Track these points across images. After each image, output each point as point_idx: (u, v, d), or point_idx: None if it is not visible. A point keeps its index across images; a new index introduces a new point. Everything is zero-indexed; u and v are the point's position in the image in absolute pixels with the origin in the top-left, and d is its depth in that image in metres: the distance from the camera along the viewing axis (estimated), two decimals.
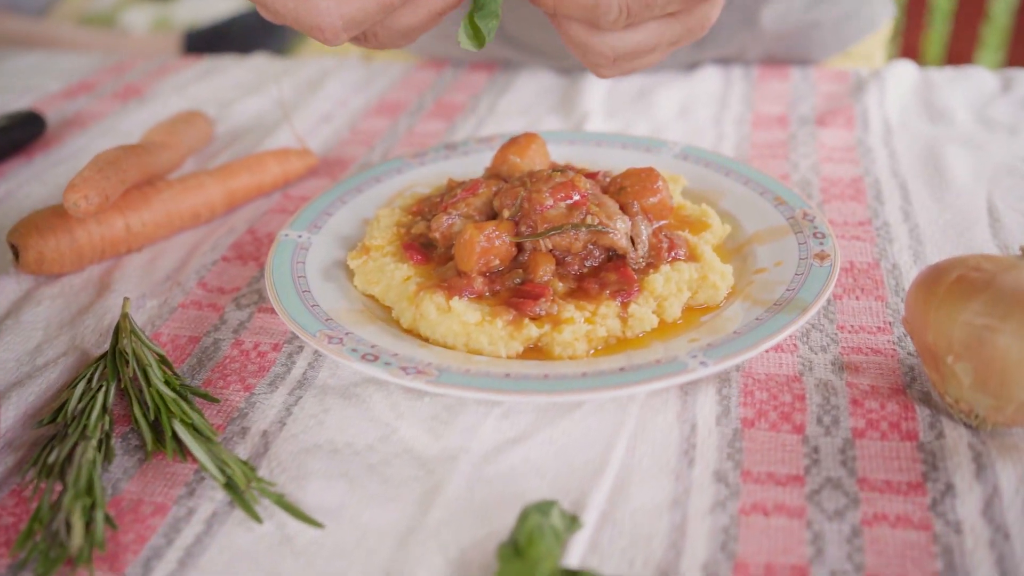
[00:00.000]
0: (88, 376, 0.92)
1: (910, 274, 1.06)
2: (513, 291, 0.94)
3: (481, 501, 0.80)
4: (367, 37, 0.93)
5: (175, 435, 0.86)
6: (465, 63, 1.73)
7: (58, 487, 0.82)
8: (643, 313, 0.93)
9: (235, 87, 1.68)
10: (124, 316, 0.97)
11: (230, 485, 0.81)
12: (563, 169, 1.03)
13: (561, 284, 0.95)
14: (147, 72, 1.77)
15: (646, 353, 0.89)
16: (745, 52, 1.67)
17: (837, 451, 0.82)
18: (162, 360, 0.94)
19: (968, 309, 0.79)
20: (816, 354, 0.94)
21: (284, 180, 1.30)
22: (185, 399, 0.89)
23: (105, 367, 0.93)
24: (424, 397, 0.90)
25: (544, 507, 0.75)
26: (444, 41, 1.65)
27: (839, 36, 1.71)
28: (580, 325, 0.90)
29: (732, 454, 0.83)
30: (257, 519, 0.79)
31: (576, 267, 0.96)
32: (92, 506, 0.77)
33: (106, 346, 0.99)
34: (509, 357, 0.90)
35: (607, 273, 0.95)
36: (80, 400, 0.89)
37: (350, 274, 1.04)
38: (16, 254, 1.10)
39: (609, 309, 0.92)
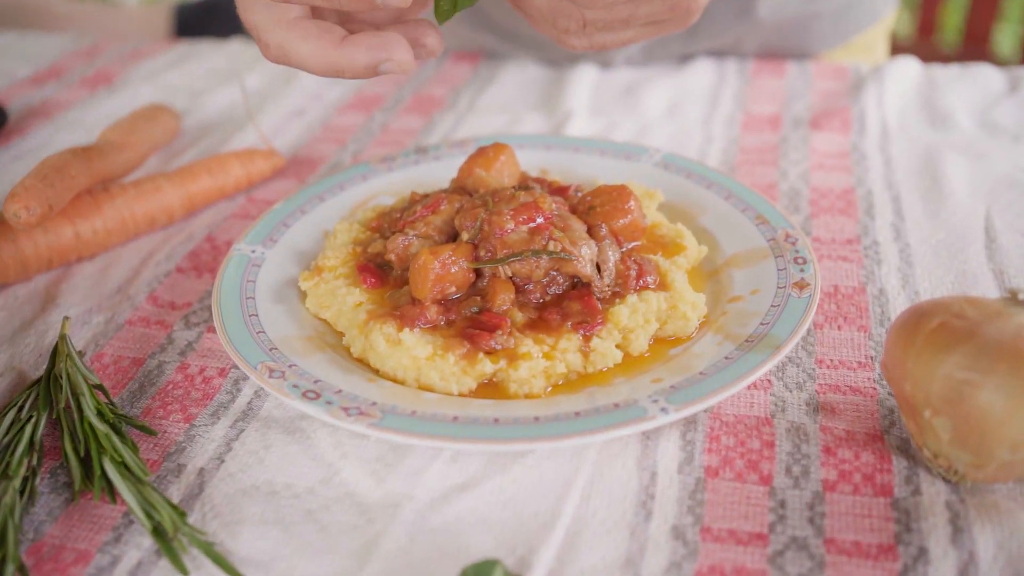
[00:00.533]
0: (19, 404, 0.87)
1: (897, 301, 1.00)
2: (469, 320, 0.89)
3: (422, 556, 0.75)
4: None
5: (104, 473, 0.81)
6: (448, 53, 1.66)
7: None
8: (606, 348, 0.87)
9: (209, 75, 1.62)
10: (62, 338, 0.93)
11: (158, 531, 0.76)
12: (529, 187, 0.97)
13: (520, 314, 0.89)
14: (120, 56, 1.71)
15: (606, 393, 0.83)
16: (741, 44, 1.59)
17: (805, 506, 0.77)
18: (99, 387, 0.89)
19: (948, 361, 0.73)
20: (791, 392, 0.88)
21: (248, 182, 1.24)
22: (119, 432, 0.84)
23: (38, 395, 0.88)
24: (370, 436, 0.85)
25: (485, 568, 0.70)
26: None
27: (839, 28, 1.63)
28: (538, 361, 0.85)
29: (693, 507, 0.77)
30: (183, 571, 0.74)
31: (537, 295, 0.91)
32: (3, 559, 0.73)
33: (44, 368, 0.94)
34: (461, 394, 0.85)
35: (570, 302, 0.90)
36: (7, 432, 0.84)
37: (303, 294, 0.98)
38: None
39: (570, 343, 0.87)
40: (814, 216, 1.16)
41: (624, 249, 0.97)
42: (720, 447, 0.82)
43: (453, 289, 0.90)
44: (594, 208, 0.96)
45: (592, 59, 1.56)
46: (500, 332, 0.86)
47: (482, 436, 0.77)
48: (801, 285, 0.93)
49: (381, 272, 0.96)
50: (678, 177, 1.14)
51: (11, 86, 1.60)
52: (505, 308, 0.89)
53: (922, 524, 0.75)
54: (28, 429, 0.84)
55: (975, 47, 3.47)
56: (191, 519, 0.78)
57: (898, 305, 0.99)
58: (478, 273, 0.91)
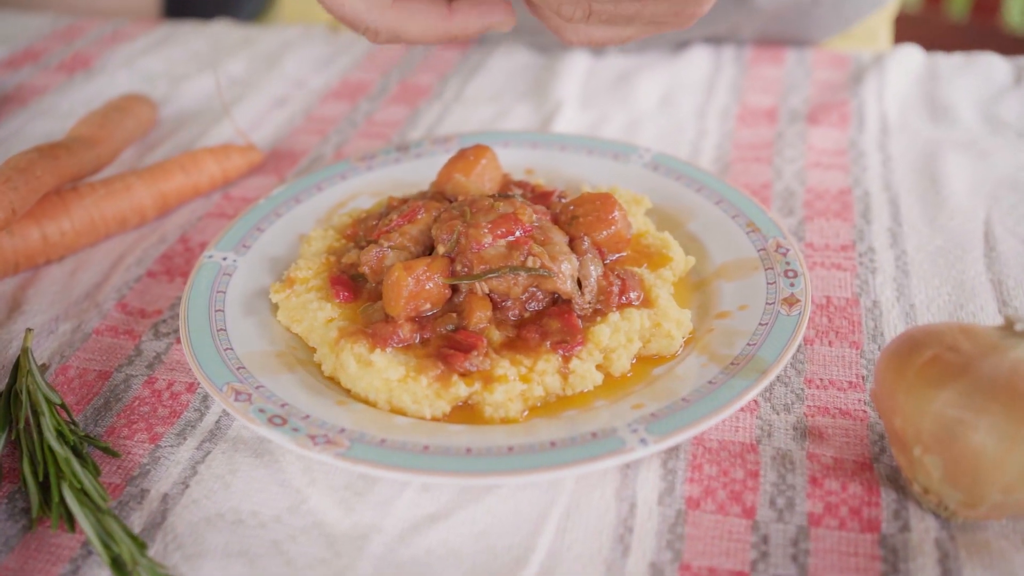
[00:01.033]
0: None
1: (891, 315, 0.96)
2: (444, 339, 0.85)
3: None
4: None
5: (63, 501, 0.78)
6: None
7: None
8: (586, 370, 0.84)
9: (190, 59, 1.57)
10: (24, 351, 0.89)
11: (117, 564, 0.74)
12: (509, 195, 0.93)
13: (498, 332, 0.86)
14: (99, 38, 1.66)
15: (585, 419, 0.80)
16: (738, 30, 1.54)
17: (789, 542, 0.74)
18: (61, 406, 0.86)
19: (940, 398, 0.69)
20: (778, 414, 0.85)
21: (224, 179, 1.20)
22: (80, 455, 0.81)
23: None
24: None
25: None
26: None
27: (840, 15, 1.58)
28: (514, 384, 0.82)
29: (672, 541, 0.75)
30: None
31: (516, 312, 0.87)
32: None
33: (4, 383, 0.91)
34: (435, 418, 0.82)
35: (550, 320, 0.86)
36: None
37: (276, 305, 0.95)
38: None
39: (548, 364, 0.83)
40: (808, 219, 1.12)
41: (608, 261, 0.93)
42: (703, 476, 0.79)
43: (428, 306, 0.86)
44: (577, 218, 0.93)
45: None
46: (475, 353, 0.83)
47: (453, 469, 0.74)
48: (791, 301, 0.89)
49: (354, 285, 0.92)
50: (667, 179, 1.10)
51: None
52: (482, 326, 0.85)
53: (910, 564, 0.72)
54: None
55: (984, 16, 3.40)
56: (152, 550, 0.76)
57: (892, 319, 0.96)
58: (454, 288, 0.88)
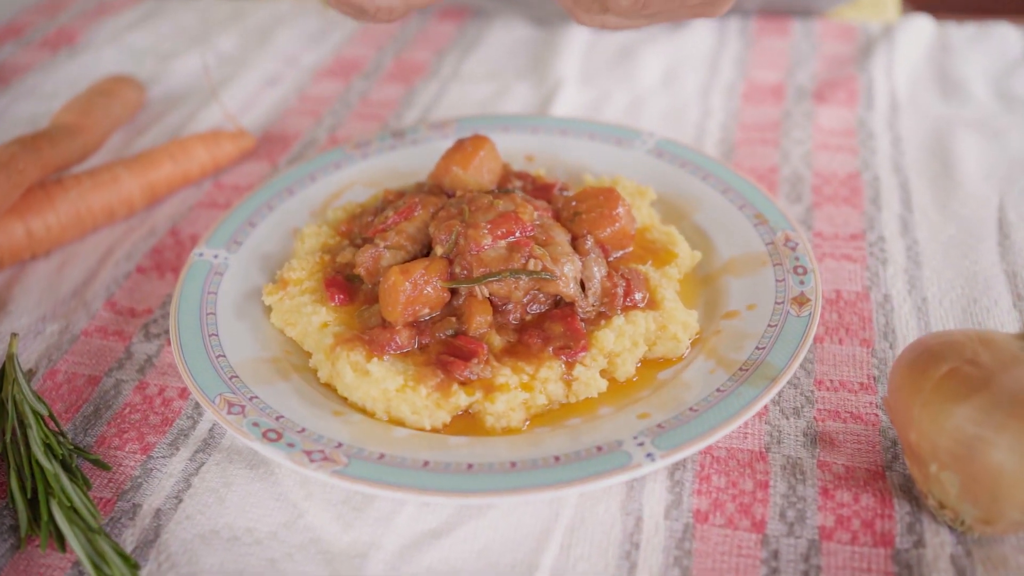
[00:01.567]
0: None
1: (902, 310, 0.94)
2: (443, 345, 0.83)
3: None
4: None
5: (52, 519, 0.76)
6: (432, 10, 1.56)
7: None
8: (590, 377, 0.81)
9: (177, 35, 1.52)
10: (10, 358, 0.86)
11: None
12: (509, 191, 0.90)
13: (499, 337, 0.83)
14: (84, 12, 1.61)
15: (589, 429, 0.78)
16: (744, 1, 1.49)
17: (800, 557, 0.72)
18: (50, 415, 0.83)
19: (958, 414, 0.67)
20: (787, 419, 0.83)
21: (215, 167, 1.16)
22: (70, 469, 0.79)
23: None
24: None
25: None
26: None
27: None
28: (516, 393, 0.79)
29: (680, 558, 0.72)
30: None
31: (517, 315, 0.84)
32: None
33: None
34: (434, 429, 0.79)
35: (552, 323, 0.83)
36: None
37: (268, 307, 0.92)
38: None
39: (551, 371, 0.81)
40: (817, 206, 1.08)
41: (612, 258, 0.90)
42: (710, 488, 0.77)
43: (426, 310, 0.84)
44: (579, 214, 0.89)
45: None
46: (476, 361, 0.80)
47: (454, 488, 0.72)
48: (801, 301, 0.86)
49: (350, 287, 0.89)
50: (672, 167, 1.06)
51: None
52: (482, 331, 0.83)
53: None
54: None
55: None
56: (145, 570, 0.74)
57: (903, 314, 0.93)
58: (453, 290, 0.85)
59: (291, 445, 0.75)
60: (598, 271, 0.85)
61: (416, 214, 0.90)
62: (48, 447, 0.80)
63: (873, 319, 0.93)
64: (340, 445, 0.75)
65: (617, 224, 0.89)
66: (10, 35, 1.55)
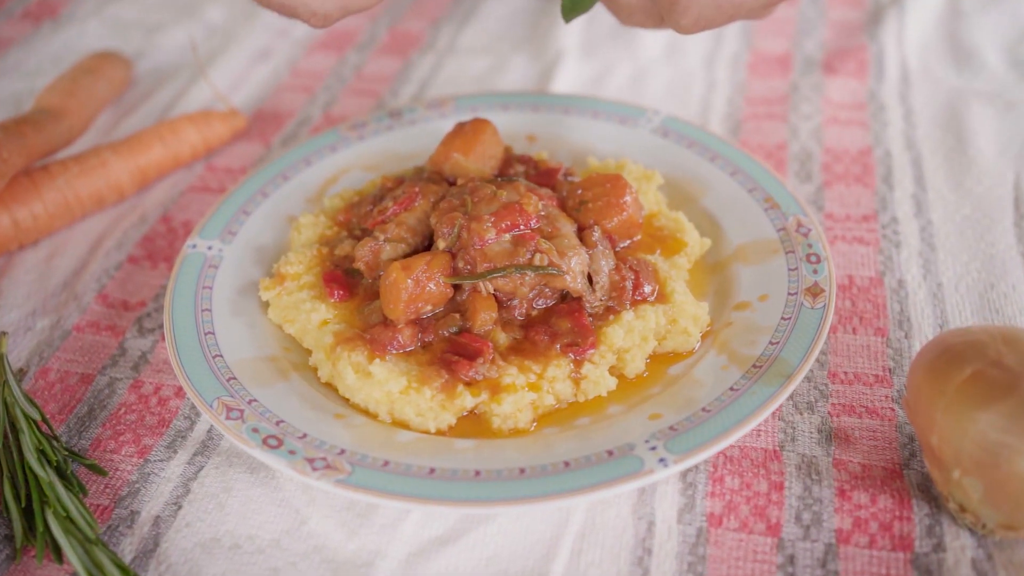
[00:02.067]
0: None
1: (917, 296, 0.91)
2: (447, 343, 0.80)
3: None
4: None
5: (48, 529, 0.74)
6: None
7: None
8: (599, 375, 0.79)
9: (164, 5, 1.47)
10: (0, 358, 0.84)
11: None
12: (512, 179, 0.87)
13: (504, 334, 0.80)
14: None
15: (599, 430, 0.75)
16: None
17: (816, 562, 0.70)
18: (42, 418, 0.81)
19: (982, 419, 0.65)
20: (801, 414, 0.81)
21: (206, 149, 1.13)
22: (65, 476, 0.77)
23: None
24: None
25: None
26: None
27: None
28: (523, 393, 0.77)
29: (694, 563, 0.71)
30: None
31: (522, 310, 0.82)
32: None
33: None
34: (439, 431, 0.77)
35: (559, 319, 0.81)
36: None
37: (266, 302, 0.89)
38: None
39: (559, 370, 0.78)
40: (827, 184, 1.05)
41: (619, 248, 0.87)
42: (724, 490, 0.75)
43: (429, 308, 0.81)
44: (586, 203, 0.86)
45: None
46: (481, 360, 0.77)
47: (461, 497, 0.69)
48: (815, 292, 0.83)
49: (349, 281, 0.86)
50: (679, 147, 1.03)
51: None
52: (487, 328, 0.80)
53: None
54: None
55: None
56: None
57: (918, 301, 0.91)
58: (456, 285, 0.82)
59: (292, 452, 0.73)
60: (606, 264, 0.82)
61: (416, 204, 0.87)
62: (42, 453, 0.78)
63: (888, 306, 0.90)
64: (343, 452, 0.73)
65: (625, 213, 0.86)
66: None
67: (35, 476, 0.76)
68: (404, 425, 0.77)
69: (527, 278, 0.80)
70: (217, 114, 1.13)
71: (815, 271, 0.86)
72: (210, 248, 0.92)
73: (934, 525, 0.72)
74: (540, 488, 0.70)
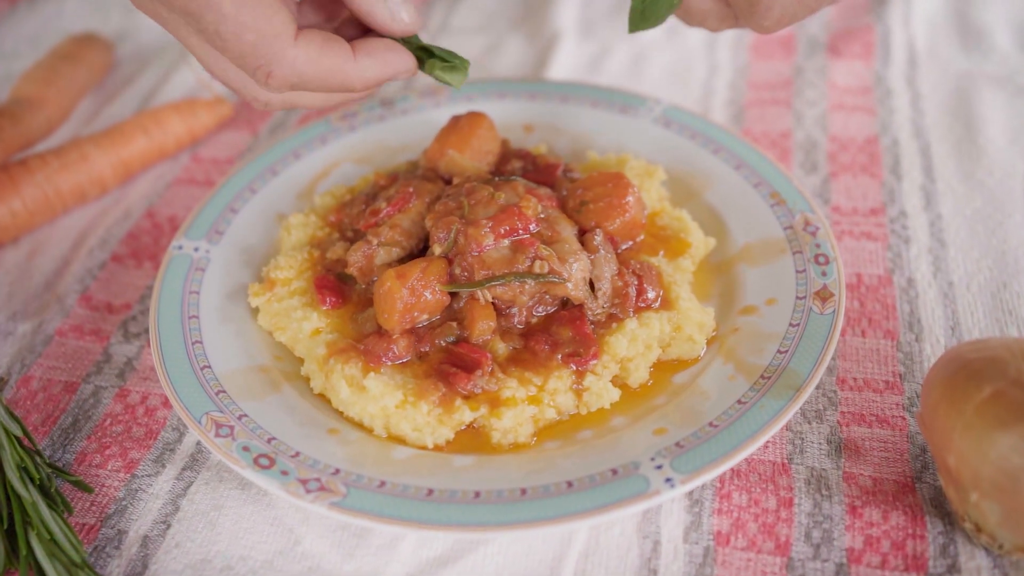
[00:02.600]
0: None
1: (927, 295, 0.88)
2: (444, 353, 0.77)
3: None
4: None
5: (32, 553, 0.71)
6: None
7: None
8: (602, 387, 0.76)
9: None
10: None
11: None
12: (511, 179, 0.83)
13: (503, 344, 0.77)
14: None
15: (602, 446, 0.73)
16: None
17: None
18: (24, 433, 0.78)
19: (1003, 442, 0.62)
20: (810, 424, 0.78)
21: (191, 139, 1.09)
22: (48, 495, 0.74)
23: None
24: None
25: None
26: None
27: None
28: (523, 407, 0.74)
29: None
30: None
31: (521, 318, 0.79)
32: None
33: None
34: (437, 447, 0.74)
35: (560, 327, 0.78)
36: None
37: (255, 308, 0.85)
38: None
39: (560, 382, 0.75)
40: (834, 176, 1.02)
41: (621, 249, 0.84)
42: (731, 507, 0.73)
43: (425, 316, 0.78)
44: (587, 204, 0.83)
45: None
46: (480, 372, 0.75)
47: (460, 521, 0.67)
48: (824, 296, 0.81)
49: (342, 287, 0.83)
50: (681, 138, 0.99)
51: None
52: (486, 338, 0.77)
53: None
54: None
55: None
56: None
57: (928, 301, 0.88)
58: (453, 292, 0.79)
59: (285, 473, 0.70)
60: (608, 270, 0.79)
61: (411, 205, 0.84)
62: (24, 471, 0.75)
63: (897, 307, 0.88)
64: (337, 471, 0.70)
65: (627, 214, 0.83)
66: None
67: (17, 496, 0.73)
68: (400, 440, 0.75)
69: (527, 286, 0.77)
70: (202, 102, 1.09)
71: (824, 273, 0.83)
72: (196, 250, 0.89)
73: (948, 544, 0.70)
74: (542, 511, 0.67)
